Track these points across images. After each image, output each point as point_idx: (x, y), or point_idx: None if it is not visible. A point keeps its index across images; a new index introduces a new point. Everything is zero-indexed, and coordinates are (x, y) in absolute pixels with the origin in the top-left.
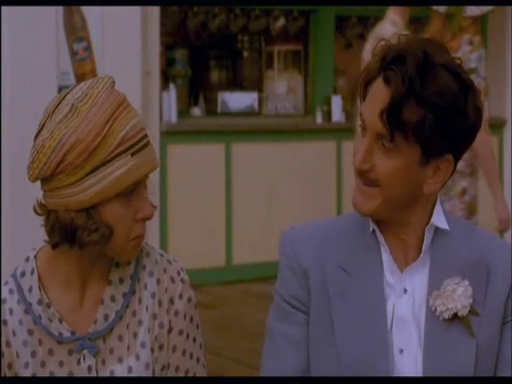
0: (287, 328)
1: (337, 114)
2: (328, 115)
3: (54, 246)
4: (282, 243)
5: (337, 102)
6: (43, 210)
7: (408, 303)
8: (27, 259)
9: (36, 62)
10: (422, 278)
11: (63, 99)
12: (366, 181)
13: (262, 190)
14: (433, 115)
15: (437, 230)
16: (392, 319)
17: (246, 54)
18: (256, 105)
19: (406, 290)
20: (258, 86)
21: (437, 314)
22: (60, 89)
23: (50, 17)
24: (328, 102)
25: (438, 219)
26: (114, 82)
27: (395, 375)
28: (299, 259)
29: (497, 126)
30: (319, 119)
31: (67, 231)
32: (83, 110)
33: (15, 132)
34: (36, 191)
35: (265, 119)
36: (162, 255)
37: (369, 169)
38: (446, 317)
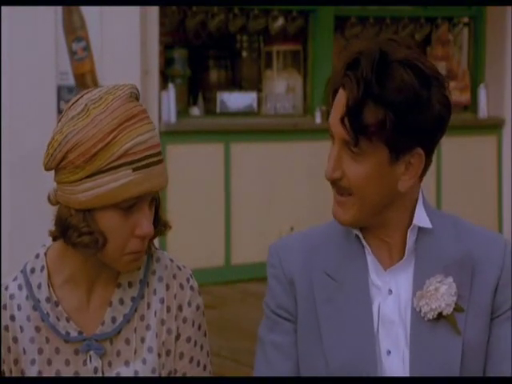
0: (276, 337)
1: None
2: (327, 115)
3: (54, 239)
4: (269, 255)
5: None
6: (54, 200)
7: (394, 304)
8: (37, 256)
9: (35, 62)
10: (407, 278)
11: (81, 97)
12: (339, 190)
13: (261, 189)
14: (393, 113)
15: (420, 229)
16: (378, 320)
17: (245, 53)
18: (255, 105)
19: (391, 291)
20: (257, 85)
21: (421, 314)
22: (59, 88)
23: (49, 16)
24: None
25: (420, 218)
26: (133, 94)
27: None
28: (285, 268)
29: (495, 126)
30: (318, 119)
31: (61, 226)
32: (93, 113)
33: (15, 131)
34: (36, 190)
35: (264, 119)
36: (172, 261)
37: (340, 177)
38: (431, 317)
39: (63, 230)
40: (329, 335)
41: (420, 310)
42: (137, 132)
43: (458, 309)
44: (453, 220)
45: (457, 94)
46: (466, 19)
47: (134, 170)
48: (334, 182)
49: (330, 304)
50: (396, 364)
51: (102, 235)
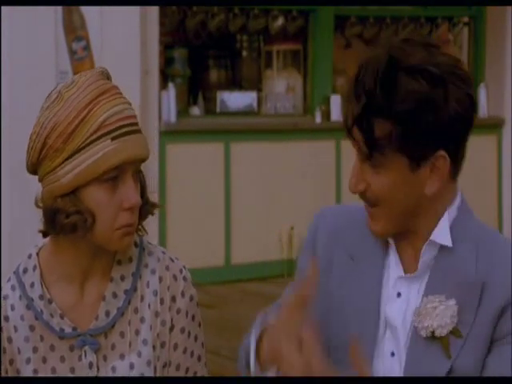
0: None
1: (336, 114)
2: (327, 115)
3: (44, 234)
4: (312, 221)
5: (336, 102)
6: (40, 200)
7: (399, 309)
8: (29, 256)
9: (35, 61)
10: (419, 287)
11: (55, 89)
12: (367, 202)
13: (260, 189)
14: (400, 125)
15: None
16: (385, 323)
17: (245, 53)
18: (255, 104)
19: (399, 294)
20: (257, 85)
21: (417, 330)
22: None
23: (49, 16)
24: (327, 102)
25: (440, 234)
26: (104, 73)
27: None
28: (318, 233)
29: (495, 125)
30: (318, 119)
31: (48, 216)
32: (66, 96)
33: (14, 131)
34: (34, 188)
35: (264, 119)
36: (164, 253)
37: (364, 189)
38: (424, 335)
39: (51, 219)
40: (336, 314)
41: (417, 326)
42: (111, 104)
43: (455, 333)
44: (478, 237)
45: None
46: (465, 19)
47: (113, 139)
48: (361, 196)
49: (344, 283)
50: (398, 367)
51: (89, 213)
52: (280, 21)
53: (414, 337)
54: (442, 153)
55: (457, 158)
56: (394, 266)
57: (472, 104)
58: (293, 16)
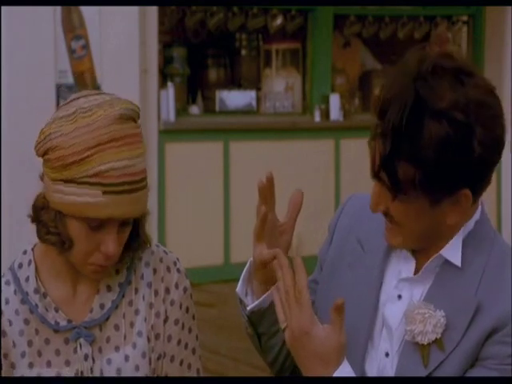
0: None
1: (335, 113)
2: (326, 113)
3: (33, 220)
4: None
5: (335, 101)
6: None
7: (398, 311)
8: (25, 252)
9: (34, 60)
10: (422, 292)
11: (77, 99)
12: (387, 218)
13: None
14: (423, 171)
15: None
16: (383, 322)
17: (244, 52)
18: (254, 103)
19: (400, 297)
20: (256, 84)
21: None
22: (58, 87)
23: (48, 15)
24: (326, 101)
25: (451, 253)
26: (126, 114)
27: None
28: (340, 217)
29: None
30: (317, 117)
31: (34, 216)
32: (78, 123)
33: (14, 129)
34: (35, 188)
35: (263, 117)
36: (158, 246)
37: (384, 210)
38: (408, 338)
39: (36, 222)
40: (338, 297)
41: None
42: (115, 156)
43: (438, 344)
44: (488, 258)
45: None
46: (464, 18)
47: (104, 193)
48: (381, 212)
49: (350, 270)
50: (390, 368)
51: (68, 239)
52: (279, 20)
53: (405, 341)
54: (466, 191)
55: (480, 191)
56: (398, 264)
57: (498, 144)
58: (292, 15)
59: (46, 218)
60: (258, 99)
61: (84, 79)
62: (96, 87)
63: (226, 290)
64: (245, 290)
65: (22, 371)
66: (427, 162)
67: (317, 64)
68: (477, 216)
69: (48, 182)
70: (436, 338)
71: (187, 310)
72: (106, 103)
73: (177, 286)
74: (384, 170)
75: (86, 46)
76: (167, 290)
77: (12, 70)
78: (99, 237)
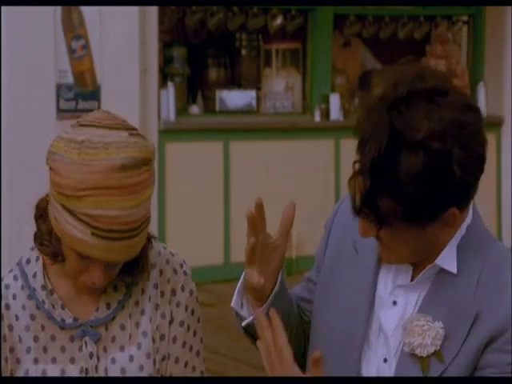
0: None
1: (335, 112)
2: (326, 113)
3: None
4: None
5: (335, 100)
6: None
7: (393, 317)
8: (32, 248)
9: (34, 60)
10: (418, 299)
11: (90, 125)
12: (378, 241)
13: (259, 187)
14: (405, 203)
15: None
16: (379, 328)
17: (244, 52)
18: (254, 103)
19: (395, 303)
20: (256, 84)
21: (403, 344)
22: (58, 87)
23: (48, 15)
24: (326, 100)
25: (446, 261)
26: (130, 163)
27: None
28: (335, 217)
29: (494, 124)
30: (317, 117)
31: (35, 220)
32: (81, 157)
33: (14, 129)
34: (35, 187)
35: (263, 117)
36: (165, 248)
37: (374, 236)
38: (407, 350)
39: (36, 224)
40: (334, 299)
41: (403, 340)
42: (110, 205)
43: (437, 356)
44: (483, 261)
45: None
46: (465, 17)
47: (93, 234)
48: None
49: (347, 272)
50: (389, 374)
51: (61, 254)
52: (279, 20)
53: (404, 352)
54: (453, 210)
55: (467, 204)
56: (394, 270)
57: (479, 161)
58: (292, 15)
59: (44, 228)
60: (258, 99)
61: (84, 79)
62: (96, 87)
63: (226, 289)
64: (240, 302)
65: (27, 366)
66: (408, 196)
67: (317, 64)
68: (468, 220)
69: (52, 193)
70: (435, 350)
71: (192, 312)
72: (114, 145)
73: (183, 289)
74: (366, 207)
75: (86, 46)
76: (173, 292)
77: (12, 70)
78: (88, 264)
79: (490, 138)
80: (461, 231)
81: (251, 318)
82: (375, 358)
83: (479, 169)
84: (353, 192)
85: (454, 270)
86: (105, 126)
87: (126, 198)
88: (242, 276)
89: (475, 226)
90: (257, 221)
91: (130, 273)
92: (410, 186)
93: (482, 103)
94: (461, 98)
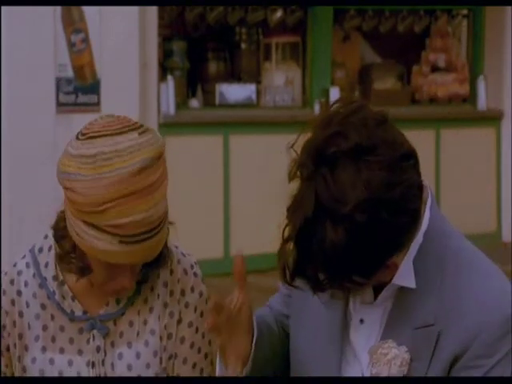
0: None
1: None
2: (326, 107)
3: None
4: None
5: (335, 94)
6: None
7: (361, 335)
8: (46, 236)
9: (34, 54)
10: (383, 315)
11: (98, 137)
12: None
13: (259, 181)
14: (334, 276)
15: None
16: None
17: (243, 45)
18: (254, 97)
19: (362, 321)
20: (255, 77)
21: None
22: (57, 80)
23: (48, 8)
24: (326, 94)
25: (403, 279)
26: (145, 165)
27: None
28: None
29: (494, 118)
30: (317, 111)
31: (56, 240)
32: (97, 171)
33: (14, 122)
34: (35, 182)
35: (263, 111)
36: (176, 247)
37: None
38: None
39: (57, 246)
40: (308, 323)
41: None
42: (133, 211)
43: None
44: (442, 271)
45: (456, 86)
46: (464, 11)
47: (121, 242)
48: None
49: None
50: None
51: (88, 267)
52: (279, 13)
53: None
54: (392, 260)
55: (408, 244)
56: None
57: (412, 217)
58: (292, 9)
59: (68, 246)
60: (258, 93)
61: (84, 73)
62: (96, 81)
63: (225, 282)
64: (223, 366)
65: (35, 354)
66: (337, 267)
67: (317, 58)
68: (424, 226)
69: (69, 214)
70: (403, 375)
71: (201, 314)
72: (126, 151)
73: (192, 290)
74: (298, 277)
75: (86, 40)
76: (182, 292)
77: (12, 64)
78: (116, 271)
79: (490, 132)
80: (417, 241)
81: (245, 370)
82: (354, 373)
83: (413, 221)
84: (282, 262)
85: (413, 285)
86: (114, 132)
87: (147, 199)
88: (218, 349)
89: (433, 228)
90: (217, 310)
91: (152, 265)
92: (337, 258)
93: (481, 97)
94: (391, 150)
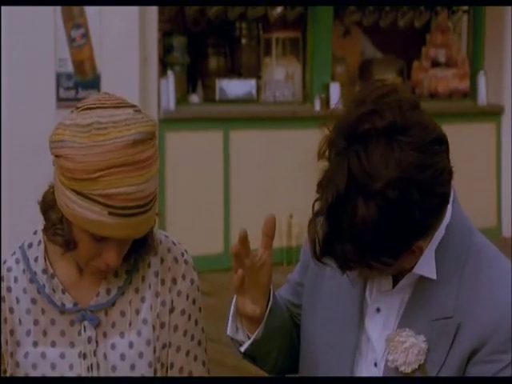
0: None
1: (335, 101)
2: (326, 102)
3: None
4: None
5: (335, 89)
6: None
7: (377, 324)
8: (35, 232)
9: (34, 49)
10: (400, 305)
11: (95, 108)
12: None
13: (260, 177)
14: (364, 252)
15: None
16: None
17: (244, 41)
18: (254, 92)
19: (379, 310)
20: (256, 73)
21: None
22: (58, 75)
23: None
24: (326, 89)
25: (424, 268)
26: (140, 139)
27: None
28: None
29: (494, 113)
30: (317, 106)
31: (43, 212)
32: (92, 139)
33: (14, 117)
34: (35, 176)
35: (263, 106)
36: (166, 237)
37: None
38: (390, 365)
39: (44, 217)
40: (323, 311)
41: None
42: (125, 182)
43: (421, 370)
44: (463, 264)
45: (456, 82)
46: (465, 6)
47: (110, 213)
48: None
49: (333, 280)
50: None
51: (73, 241)
52: (279, 8)
53: (387, 364)
54: (418, 244)
55: (434, 231)
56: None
57: (440, 201)
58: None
59: (54, 218)
60: (258, 88)
61: (84, 68)
62: (96, 76)
63: (225, 278)
64: (235, 328)
65: (27, 349)
66: (366, 243)
67: (317, 53)
68: (447, 219)
69: (59, 185)
70: (419, 365)
71: (194, 301)
72: (122, 123)
73: (184, 277)
74: (327, 254)
75: (86, 35)
76: (174, 281)
77: (12, 59)
78: (101, 247)
79: (490, 127)
80: (440, 232)
81: (250, 341)
82: (365, 364)
83: (441, 206)
84: (312, 236)
85: (434, 275)
86: (110, 106)
87: (139, 173)
88: (233, 303)
89: (455, 221)
90: (242, 253)
91: (139, 251)
92: (367, 235)
93: (482, 92)
94: (424, 133)
